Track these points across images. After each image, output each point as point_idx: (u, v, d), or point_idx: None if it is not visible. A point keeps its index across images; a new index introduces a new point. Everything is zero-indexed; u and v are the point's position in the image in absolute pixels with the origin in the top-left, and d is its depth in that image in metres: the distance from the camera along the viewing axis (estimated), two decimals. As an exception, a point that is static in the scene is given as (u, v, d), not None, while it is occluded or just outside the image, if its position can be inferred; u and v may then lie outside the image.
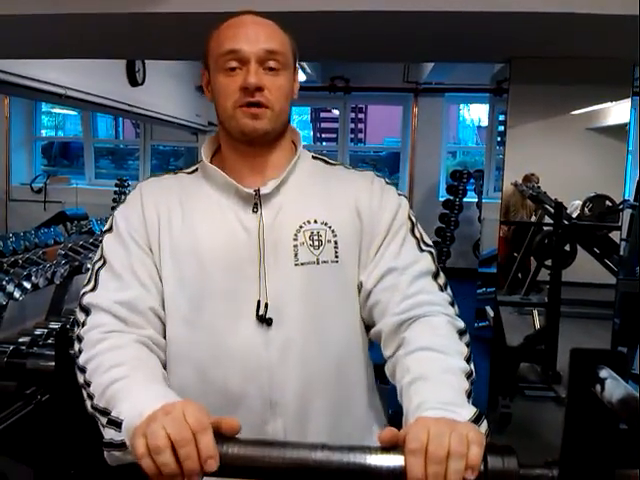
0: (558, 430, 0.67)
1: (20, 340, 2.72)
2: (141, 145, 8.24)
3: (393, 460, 0.72)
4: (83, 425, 2.11)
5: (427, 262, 1.08)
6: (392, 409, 1.20)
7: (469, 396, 0.90)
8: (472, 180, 7.40)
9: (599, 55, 2.99)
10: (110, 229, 1.11)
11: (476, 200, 7.15)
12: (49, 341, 2.78)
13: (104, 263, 1.07)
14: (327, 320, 1.07)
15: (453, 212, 7.42)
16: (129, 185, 6.53)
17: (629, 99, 3.33)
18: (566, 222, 3.52)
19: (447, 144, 8.20)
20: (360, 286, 1.09)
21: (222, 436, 0.77)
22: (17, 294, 2.67)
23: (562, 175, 3.52)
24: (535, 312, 3.78)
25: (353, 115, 8.94)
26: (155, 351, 1.03)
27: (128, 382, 0.90)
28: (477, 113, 9.17)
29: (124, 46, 3.21)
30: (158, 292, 1.07)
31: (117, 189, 6.41)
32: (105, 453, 0.88)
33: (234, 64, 1.05)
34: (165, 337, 1.07)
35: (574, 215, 3.60)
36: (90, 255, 3.32)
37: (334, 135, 8.68)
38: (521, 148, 3.44)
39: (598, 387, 0.61)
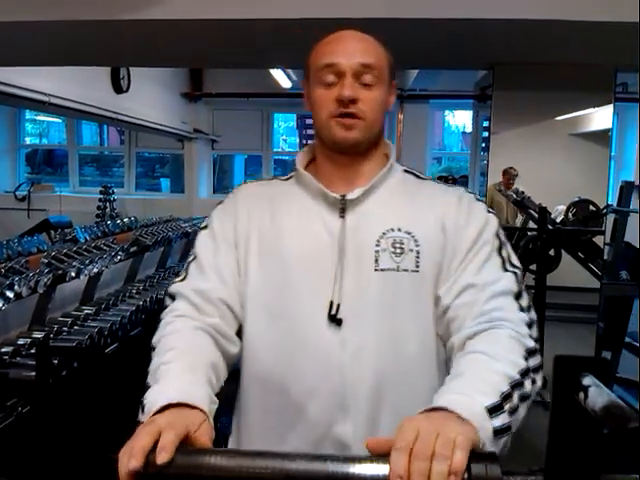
0: (544, 435, 0.67)
1: (2, 350, 2.68)
2: (126, 152, 8.21)
3: (379, 468, 0.71)
4: (65, 436, 2.08)
5: (509, 282, 1.06)
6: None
7: (505, 399, 0.86)
8: (458, 184, 7.44)
9: (581, 61, 3.03)
10: (205, 227, 1.21)
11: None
12: (32, 351, 2.74)
13: (194, 258, 1.17)
14: (402, 327, 1.08)
15: (439, 218, 7.45)
16: (114, 192, 6.49)
17: (611, 105, 3.37)
18: (550, 227, 3.54)
19: (432, 150, 8.23)
20: (438, 300, 1.09)
21: (201, 448, 0.77)
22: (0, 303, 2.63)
23: (546, 180, 3.55)
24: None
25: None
26: (219, 340, 1.08)
27: (168, 367, 0.96)
28: (462, 119, 9.23)
29: (109, 53, 3.20)
30: (235, 289, 1.13)
31: (102, 196, 6.36)
32: None
33: (331, 77, 1.10)
34: (239, 332, 1.13)
35: (558, 220, 3.63)
36: (74, 263, 3.29)
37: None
38: (505, 154, 3.47)
39: (582, 395, 0.61)
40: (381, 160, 1.19)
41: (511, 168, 3.47)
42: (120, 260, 3.77)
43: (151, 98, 6.45)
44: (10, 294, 2.70)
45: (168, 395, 0.88)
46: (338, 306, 1.07)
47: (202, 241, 1.19)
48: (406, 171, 1.21)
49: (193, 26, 2.41)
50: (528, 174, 3.51)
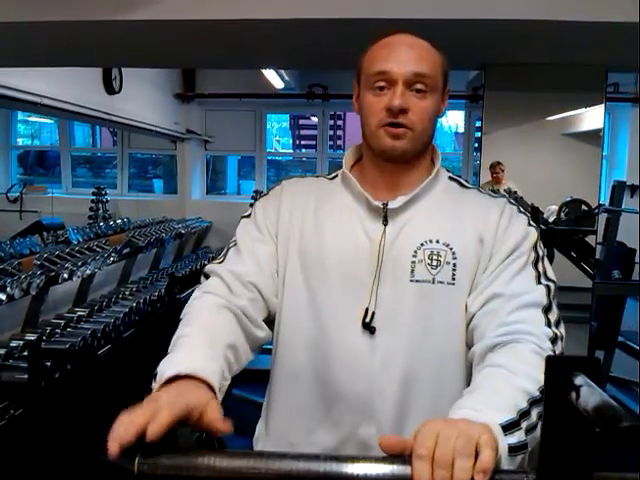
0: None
1: (-5, 353, 2.67)
2: (119, 153, 8.18)
3: (399, 469, 0.71)
4: (57, 440, 2.07)
5: (539, 294, 1.05)
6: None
7: (522, 416, 0.84)
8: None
9: (572, 62, 3.04)
10: (248, 215, 1.22)
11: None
12: (25, 353, 2.73)
13: (235, 244, 1.19)
14: (433, 337, 1.08)
15: (432, 218, 7.46)
16: (106, 193, 6.47)
17: (602, 105, 3.38)
18: (543, 227, 3.55)
19: (425, 150, 8.25)
20: (466, 308, 1.09)
21: (209, 449, 0.76)
22: (-8, 306, 2.62)
23: (538, 180, 3.56)
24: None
25: (332, 122, 8.96)
26: (243, 321, 1.08)
27: (185, 340, 0.98)
28: (454, 119, 9.25)
29: (100, 54, 3.19)
30: (272, 277, 1.15)
31: (94, 198, 6.34)
32: None
33: (382, 84, 1.09)
34: (267, 320, 1.14)
35: (550, 220, 3.64)
36: (67, 265, 3.28)
37: (313, 142, 8.68)
38: (497, 154, 3.48)
39: (574, 394, 0.61)
40: (427, 167, 1.18)
41: (499, 163, 3.47)
42: (113, 262, 3.77)
43: (143, 99, 6.43)
44: (2, 296, 2.69)
45: (179, 366, 0.89)
46: (373, 314, 1.08)
47: (243, 228, 1.21)
48: (451, 178, 1.20)
49: (185, 27, 2.41)
50: (520, 174, 3.52)
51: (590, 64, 3.11)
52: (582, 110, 3.45)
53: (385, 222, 1.12)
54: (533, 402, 0.87)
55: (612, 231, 4.24)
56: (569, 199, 3.59)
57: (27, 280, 2.87)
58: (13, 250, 3.16)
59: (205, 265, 1.20)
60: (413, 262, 1.08)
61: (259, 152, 8.08)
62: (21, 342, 2.83)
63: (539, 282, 1.07)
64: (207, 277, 1.16)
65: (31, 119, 8.65)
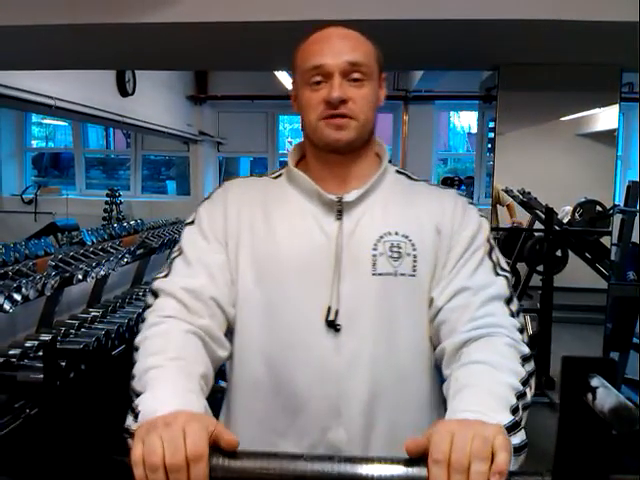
0: (552, 436, 0.67)
1: (10, 352, 2.69)
2: (132, 155, 8.23)
3: (414, 471, 0.71)
4: (72, 438, 2.09)
5: (501, 286, 1.06)
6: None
7: (514, 412, 0.86)
8: (463, 187, 7.43)
9: (586, 61, 3.02)
10: (192, 222, 1.15)
11: (467, 206, 7.17)
12: (40, 353, 2.75)
13: (180, 253, 1.11)
14: (398, 333, 1.07)
15: (445, 219, 7.44)
16: (120, 195, 6.52)
17: (617, 105, 3.36)
18: (557, 228, 3.53)
19: (438, 151, 8.22)
20: (431, 302, 1.08)
21: (221, 450, 0.76)
22: (7, 306, 2.64)
23: (552, 181, 3.54)
24: (527, 318, 3.79)
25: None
26: (208, 344, 1.03)
27: (160, 373, 0.91)
28: (467, 120, 9.21)
29: (116, 56, 3.21)
30: (227, 286, 1.09)
31: (108, 199, 6.39)
32: (128, 441, 0.87)
33: (319, 78, 1.07)
34: (228, 335, 1.09)
35: (565, 220, 3.62)
36: (81, 266, 3.30)
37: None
38: (511, 154, 3.46)
39: (590, 396, 0.61)
40: (373, 159, 1.17)
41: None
42: (127, 262, 3.78)
43: (156, 101, 6.47)
44: (18, 297, 2.71)
45: (167, 403, 0.83)
46: (336, 312, 1.04)
47: (189, 236, 1.13)
48: (398, 171, 1.20)
49: (198, 29, 2.42)
50: (534, 174, 3.50)
51: (604, 64, 3.08)
52: (596, 110, 3.42)
53: (340, 216, 1.09)
54: (519, 396, 0.90)
55: (627, 232, 4.20)
56: (583, 200, 3.56)
57: (42, 281, 2.89)
58: (28, 251, 3.18)
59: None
60: (374, 255, 1.06)
61: (271, 153, 8.10)
62: (36, 342, 2.85)
63: (497, 273, 1.08)
64: (156, 295, 1.07)
65: (45, 121, 8.72)
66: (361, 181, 1.12)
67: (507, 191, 3.53)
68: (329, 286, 1.05)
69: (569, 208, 3.63)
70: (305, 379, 1.05)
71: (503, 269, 1.09)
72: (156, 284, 1.08)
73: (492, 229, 3.66)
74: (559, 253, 3.64)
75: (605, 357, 0.80)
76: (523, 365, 0.96)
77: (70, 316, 3.36)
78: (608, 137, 3.44)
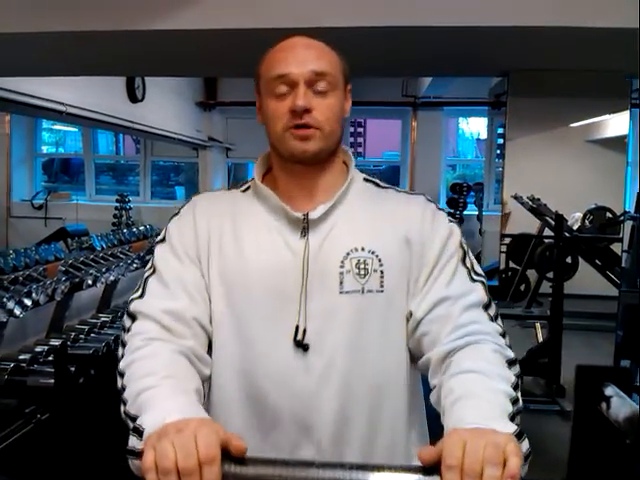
0: (563, 444, 0.67)
1: (20, 357, 2.70)
2: (141, 161, 8.27)
3: (425, 479, 0.71)
4: (83, 443, 2.09)
5: (479, 293, 1.06)
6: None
7: (512, 419, 0.86)
8: (472, 193, 7.41)
9: (596, 67, 3.01)
10: (163, 240, 1.13)
11: (476, 213, 7.15)
12: (50, 358, 2.76)
13: (154, 272, 1.09)
14: (369, 350, 1.06)
15: (453, 225, 7.42)
16: (129, 201, 6.54)
17: (627, 111, 3.35)
18: (567, 234, 3.52)
19: (447, 157, 8.21)
20: (409, 315, 1.07)
21: (231, 456, 0.76)
22: (17, 311, 2.66)
23: (562, 187, 3.53)
24: (537, 325, 3.77)
25: (352, 129, 8.97)
26: (195, 363, 1.02)
27: (156, 392, 0.90)
28: (476, 126, 9.20)
29: (127, 63, 3.23)
30: (205, 303, 1.08)
31: (118, 205, 6.42)
32: (129, 461, 0.87)
33: (283, 88, 1.06)
34: (210, 350, 1.08)
35: (575, 227, 3.61)
36: (91, 271, 3.31)
37: (334, 149, 8.70)
38: (520, 161, 3.46)
39: (604, 405, 0.61)
40: (340, 169, 1.16)
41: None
42: (136, 268, 3.79)
43: (166, 107, 6.50)
44: (28, 302, 2.72)
45: (172, 416, 0.81)
46: (304, 331, 1.03)
47: (162, 255, 1.11)
48: (366, 180, 1.18)
49: (208, 36, 2.43)
50: (544, 181, 3.49)
51: (615, 70, 3.07)
52: (606, 116, 3.41)
53: (307, 233, 1.07)
54: (514, 402, 0.90)
55: (638, 239, 4.17)
56: (593, 206, 3.55)
57: (52, 286, 2.90)
58: (38, 256, 3.19)
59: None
60: (341, 273, 1.04)
61: (280, 159, 8.11)
62: (46, 347, 2.86)
63: (473, 279, 1.07)
64: (133, 318, 1.04)
65: (55, 127, 8.77)
66: (329, 193, 1.10)
67: (516, 197, 3.52)
68: (297, 305, 1.04)
69: (579, 215, 3.62)
70: (276, 397, 1.04)
71: (478, 274, 1.09)
72: (133, 306, 1.06)
73: (502, 236, 3.65)
74: (569, 260, 3.63)
75: (619, 366, 0.79)
76: (510, 369, 0.97)
77: (80, 321, 3.38)
78: (618, 143, 3.43)
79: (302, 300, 1.04)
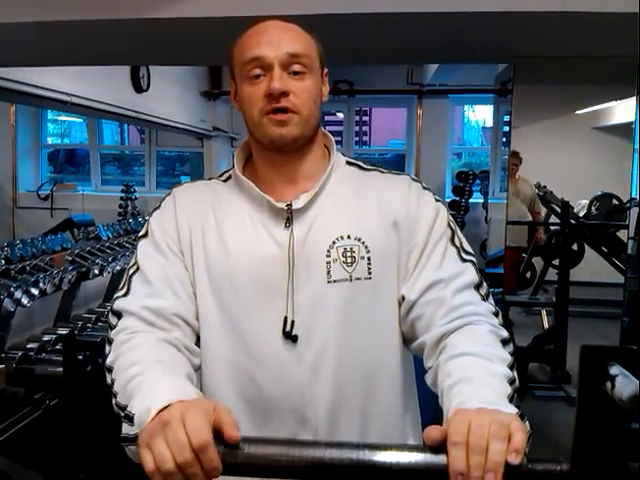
0: (568, 430, 0.67)
1: (28, 346, 2.73)
2: (146, 151, 8.27)
3: (431, 456, 0.72)
4: (91, 429, 2.11)
5: (470, 274, 1.06)
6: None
7: (511, 400, 0.87)
8: (478, 181, 7.39)
9: (603, 54, 2.99)
10: (145, 235, 1.11)
11: (482, 201, 7.14)
12: (57, 347, 2.79)
13: (137, 269, 1.07)
14: (360, 338, 1.05)
15: (459, 213, 7.41)
16: (135, 191, 6.56)
17: (634, 97, 3.32)
18: (573, 221, 3.51)
19: (452, 145, 8.18)
20: (402, 299, 1.07)
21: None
22: (25, 300, 2.68)
23: (568, 174, 3.52)
24: (543, 312, 3.78)
25: (357, 118, 8.95)
26: (183, 352, 1.02)
27: (143, 377, 0.89)
28: (482, 114, 9.16)
29: (131, 52, 3.22)
30: (189, 299, 1.07)
31: (123, 195, 6.43)
32: (126, 450, 0.87)
33: (258, 71, 1.03)
34: (199, 345, 1.07)
35: (581, 214, 3.60)
36: (97, 261, 3.33)
37: (339, 138, 8.68)
38: (526, 148, 3.44)
39: (609, 384, 0.61)
40: (322, 154, 1.14)
41: (513, 153, 3.44)
42: (142, 257, 3.81)
43: (171, 97, 6.49)
44: (35, 291, 2.75)
45: (159, 398, 0.80)
46: (292, 322, 1.03)
47: (144, 251, 1.09)
48: (349, 162, 1.16)
49: (212, 24, 2.43)
50: (550, 168, 3.48)
51: (621, 56, 3.05)
52: (613, 103, 3.39)
53: (291, 223, 1.05)
54: (511, 382, 0.90)
55: (644, 226, 4.17)
56: (600, 193, 3.54)
57: (59, 275, 2.92)
58: (45, 246, 3.21)
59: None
60: (328, 262, 1.04)
61: (285, 148, 8.10)
62: (53, 336, 2.89)
63: (463, 259, 1.07)
64: (118, 316, 1.04)
65: (60, 118, 8.78)
66: (310, 180, 1.09)
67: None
68: (284, 297, 1.04)
69: (585, 202, 3.61)
70: (269, 389, 1.04)
71: (467, 252, 1.08)
72: (117, 304, 1.05)
73: (507, 223, 3.63)
74: (575, 247, 3.62)
75: (624, 346, 0.79)
76: (505, 349, 0.98)
77: (87, 310, 3.40)
78: (625, 130, 3.41)
79: (289, 291, 1.03)
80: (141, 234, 1.13)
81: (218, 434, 0.75)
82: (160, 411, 0.78)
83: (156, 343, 0.98)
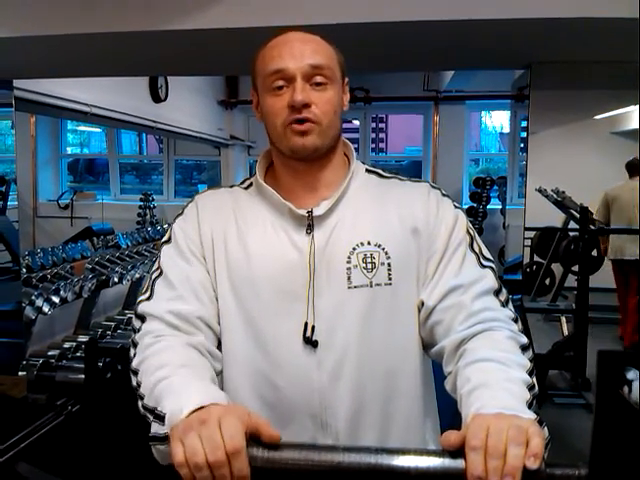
0: (588, 438, 0.67)
1: (49, 353, 2.76)
2: (165, 160, 8.33)
3: (449, 461, 0.72)
4: (112, 435, 2.13)
5: (490, 279, 1.06)
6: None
7: (530, 407, 0.87)
8: (495, 187, 7.36)
9: (620, 58, 2.97)
10: (168, 240, 1.14)
11: (500, 207, 7.10)
12: (78, 354, 2.82)
13: (160, 273, 1.10)
14: (379, 343, 1.07)
15: (477, 219, 7.38)
16: (153, 199, 6.61)
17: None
18: (592, 227, 3.49)
19: (469, 152, 8.15)
20: (421, 305, 1.08)
21: (258, 441, 0.78)
22: (46, 308, 2.72)
23: (587, 180, 3.50)
24: (563, 319, 3.74)
25: (374, 125, 8.95)
26: (206, 356, 1.04)
27: (172, 380, 0.91)
28: (499, 120, 9.13)
29: (150, 63, 3.26)
30: (212, 303, 1.09)
31: (142, 204, 6.48)
32: (153, 450, 0.89)
33: (280, 83, 1.06)
34: (220, 349, 1.09)
35: (600, 220, 3.56)
36: (117, 269, 3.36)
37: (355, 145, 8.70)
38: (544, 154, 3.42)
39: (626, 389, 0.61)
40: (342, 162, 1.16)
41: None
42: (161, 265, 3.84)
43: (188, 106, 6.55)
44: (56, 299, 2.78)
45: (192, 401, 0.83)
46: (313, 328, 1.04)
47: (168, 256, 1.11)
48: (368, 170, 1.18)
49: (230, 35, 2.45)
50: (569, 173, 3.46)
51: (639, 61, 3.03)
52: (632, 108, 3.37)
53: (312, 230, 1.07)
54: (530, 388, 0.90)
55: (664, 231, 4.12)
56: (619, 199, 3.50)
57: (79, 283, 2.96)
58: (65, 255, 3.26)
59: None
60: (348, 268, 1.05)
61: (302, 156, 8.12)
62: (74, 343, 2.92)
63: (482, 265, 1.07)
64: (142, 319, 1.06)
65: (80, 128, 8.88)
66: (331, 189, 1.11)
67: (540, 191, 3.49)
68: (305, 302, 1.05)
69: (604, 207, 3.57)
70: (289, 394, 1.05)
71: (486, 258, 1.09)
72: (141, 307, 1.07)
73: (525, 229, 3.62)
74: (594, 253, 3.59)
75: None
76: (524, 355, 0.98)
77: (106, 318, 3.43)
78: (644, 135, 3.38)
79: (310, 297, 1.05)
80: (164, 240, 1.15)
81: (251, 436, 0.77)
82: (192, 413, 0.80)
83: (181, 347, 1.00)
